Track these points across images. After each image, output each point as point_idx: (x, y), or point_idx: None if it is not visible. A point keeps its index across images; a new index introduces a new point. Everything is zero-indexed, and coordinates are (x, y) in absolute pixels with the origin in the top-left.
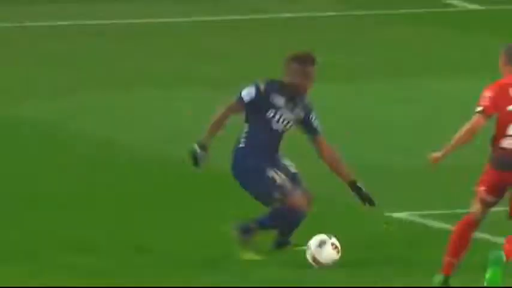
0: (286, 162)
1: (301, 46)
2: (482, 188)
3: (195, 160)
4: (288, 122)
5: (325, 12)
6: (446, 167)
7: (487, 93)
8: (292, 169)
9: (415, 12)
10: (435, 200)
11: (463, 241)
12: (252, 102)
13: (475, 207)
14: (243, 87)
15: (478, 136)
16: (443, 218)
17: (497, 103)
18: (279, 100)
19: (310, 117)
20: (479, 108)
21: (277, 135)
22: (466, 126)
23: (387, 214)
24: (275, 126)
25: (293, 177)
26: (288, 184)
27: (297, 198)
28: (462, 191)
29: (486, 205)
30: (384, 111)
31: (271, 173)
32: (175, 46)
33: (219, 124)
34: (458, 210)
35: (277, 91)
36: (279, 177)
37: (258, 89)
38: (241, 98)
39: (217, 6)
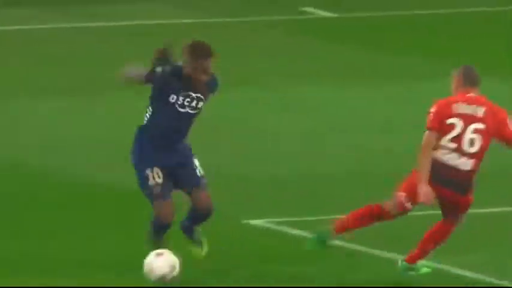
0: (196, 162)
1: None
2: (404, 194)
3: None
4: (197, 103)
5: (180, 19)
6: (304, 175)
7: (432, 109)
8: (198, 172)
9: (270, 19)
10: (292, 207)
11: (364, 221)
12: (159, 79)
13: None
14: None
15: (327, 147)
16: (298, 224)
17: (440, 118)
18: (180, 86)
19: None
20: (426, 127)
21: (186, 118)
22: (422, 146)
23: (244, 221)
24: (181, 109)
25: (196, 182)
26: (158, 189)
27: (161, 206)
28: (317, 199)
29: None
30: (244, 118)
31: (148, 172)
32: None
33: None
34: (311, 218)
35: (178, 77)
36: (152, 179)
37: (164, 70)
38: (154, 71)
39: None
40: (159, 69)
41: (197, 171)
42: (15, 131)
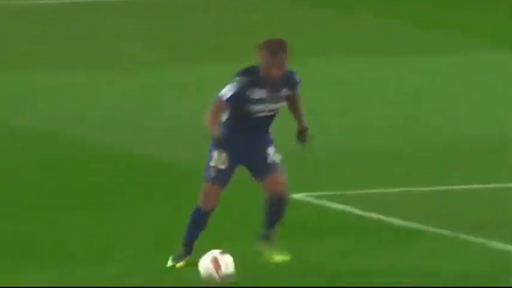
0: (271, 150)
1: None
2: None
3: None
4: (276, 104)
5: None
6: (341, 149)
7: None
8: (272, 158)
9: None
10: (330, 181)
11: None
12: (230, 99)
13: None
14: (223, 87)
15: (361, 120)
16: (337, 198)
17: None
18: (260, 93)
19: (297, 89)
20: None
21: (262, 119)
22: None
23: None
24: (258, 114)
25: (267, 166)
26: (214, 172)
27: (207, 188)
28: (354, 173)
29: None
30: None
31: (215, 153)
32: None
33: (216, 118)
34: (350, 192)
35: (255, 84)
36: (216, 161)
37: (235, 87)
38: (219, 97)
39: None
40: (224, 91)
41: (270, 157)
42: (39, 102)
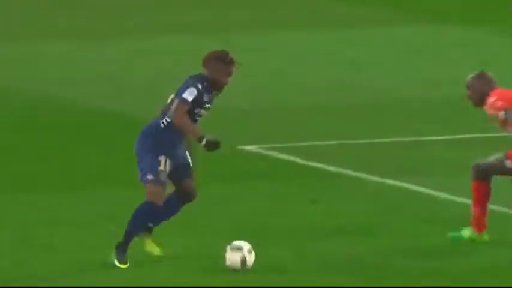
0: (185, 153)
1: None
2: None
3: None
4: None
5: None
6: (283, 107)
7: None
8: (188, 160)
9: None
10: (277, 135)
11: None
12: (192, 102)
13: None
14: (182, 90)
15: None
16: (284, 150)
17: None
18: (207, 97)
19: None
20: None
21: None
22: None
23: (239, 147)
24: (199, 118)
25: (184, 168)
26: (164, 176)
27: (161, 192)
28: (296, 128)
29: None
30: None
31: (162, 158)
32: None
33: (189, 121)
34: (297, 144)
35: (207, 89)
36: (164, 166)
37: (197, 90)
38: (185, 100)
39: None
40: (187, 94)
41: (190, 161)
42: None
